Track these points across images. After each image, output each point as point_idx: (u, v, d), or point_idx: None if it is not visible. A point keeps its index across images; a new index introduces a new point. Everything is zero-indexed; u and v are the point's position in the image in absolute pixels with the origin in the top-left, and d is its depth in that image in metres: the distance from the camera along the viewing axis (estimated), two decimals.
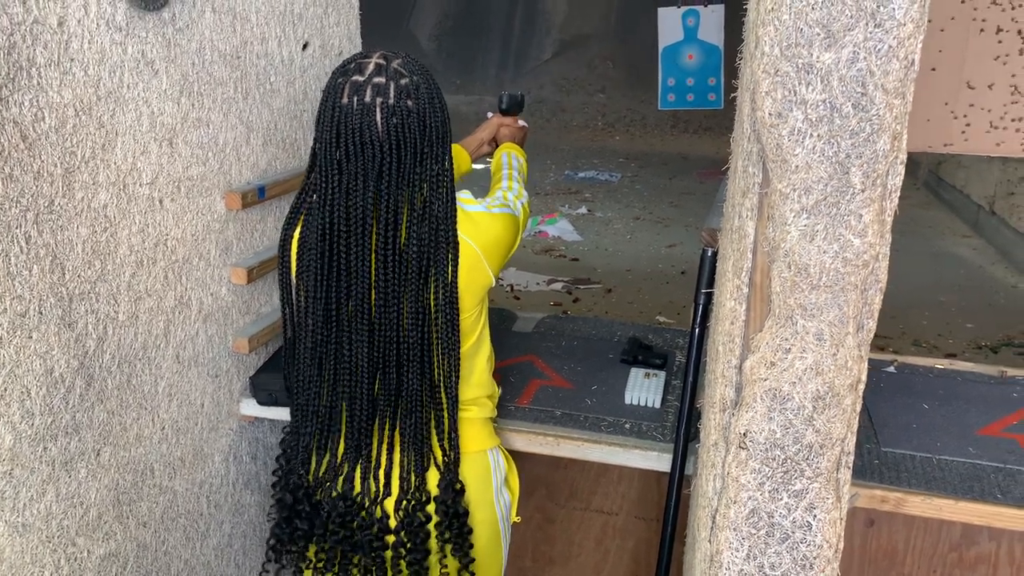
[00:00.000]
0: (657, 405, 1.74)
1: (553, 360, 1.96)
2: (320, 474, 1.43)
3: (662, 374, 1.85)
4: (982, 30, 1.82)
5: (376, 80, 1.27)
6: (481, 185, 1.68)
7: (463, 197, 1.42)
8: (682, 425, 1.52)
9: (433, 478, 1.42)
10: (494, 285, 1.44)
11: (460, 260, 1.35)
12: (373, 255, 1.31)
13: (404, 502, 1.41)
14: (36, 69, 1.21)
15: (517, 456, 1.61)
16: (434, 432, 1.41)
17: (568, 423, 1.69)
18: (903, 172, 0.91)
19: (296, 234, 1.39)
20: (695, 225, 6.63)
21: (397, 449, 1.41)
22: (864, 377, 0.99)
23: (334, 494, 1.41)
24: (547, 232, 6.47)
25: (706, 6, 2.29)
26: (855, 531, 1.81)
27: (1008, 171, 6.36)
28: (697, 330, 1.47)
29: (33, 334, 1.26)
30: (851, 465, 1.04)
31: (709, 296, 1.38)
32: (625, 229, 6.76)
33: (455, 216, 1.34)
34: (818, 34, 0.84)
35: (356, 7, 2.06)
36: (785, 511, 1.02)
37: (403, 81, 1.28)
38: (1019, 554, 1.76)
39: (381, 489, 1.41)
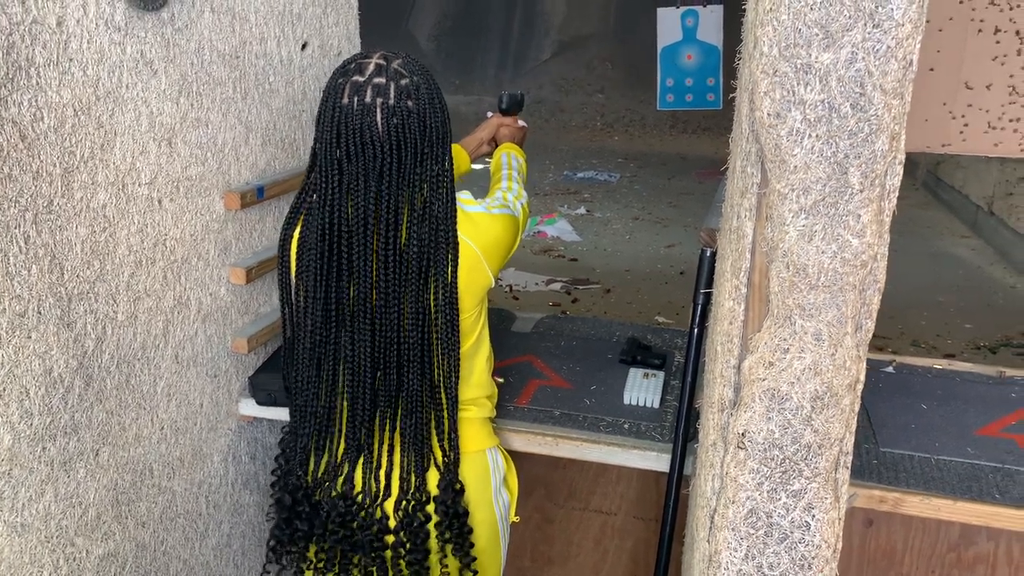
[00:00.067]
0: (656, 405, 1.75)
1: (552, 360, 1.96)
2: (319, 474, 1.43)
3: (661, 374, 1.85)
4: (980, 30, 1.83)
5: (376, 80, 1.27)
6: (481, 185, 1.68)
7: (463, 198, 1.42)
8: (681, 425, 1.52)
9: (433, 478, 1.42)
10: (493, 286, 1.44)
11: (460, 261, 1.35)
12: (373, 255, 1.32)
13: (404, 502, 1.41)
14: (35, 69, 1.21)
15: (516, 456, 1.61)
16: (434, 432, 1.41)
17: (567, 423, 1.69)
18: (901, 172, 0.91)
19: (296, 234, 1.39)
20: (694, 225, 6.63)
21: (397, 450, 1.42)
22: (862, 377, 0.99)
23: (334, 494, 1.41)
24: (546, 232, 6.47)
25: (705, 6, 2.29)
26: (853, 531, 1.81)
27: (1006, 171, 6.36)
28: (696, 330, 1.47)
29: (32, 334, 1.26)
30: (849, 465, 1.04)
31: (708, 296, 1.39)
32: (624, 229, 6.76)
33: (455, 216, 1.34)
34: (816, 34, 0.84)
35: (355, 7, 2.06)
36: (783, 511, 1.02)
37: (403, 81, 1.28)
38: (1017, 554, 1.76)
39: (381, 490, 1.41)
